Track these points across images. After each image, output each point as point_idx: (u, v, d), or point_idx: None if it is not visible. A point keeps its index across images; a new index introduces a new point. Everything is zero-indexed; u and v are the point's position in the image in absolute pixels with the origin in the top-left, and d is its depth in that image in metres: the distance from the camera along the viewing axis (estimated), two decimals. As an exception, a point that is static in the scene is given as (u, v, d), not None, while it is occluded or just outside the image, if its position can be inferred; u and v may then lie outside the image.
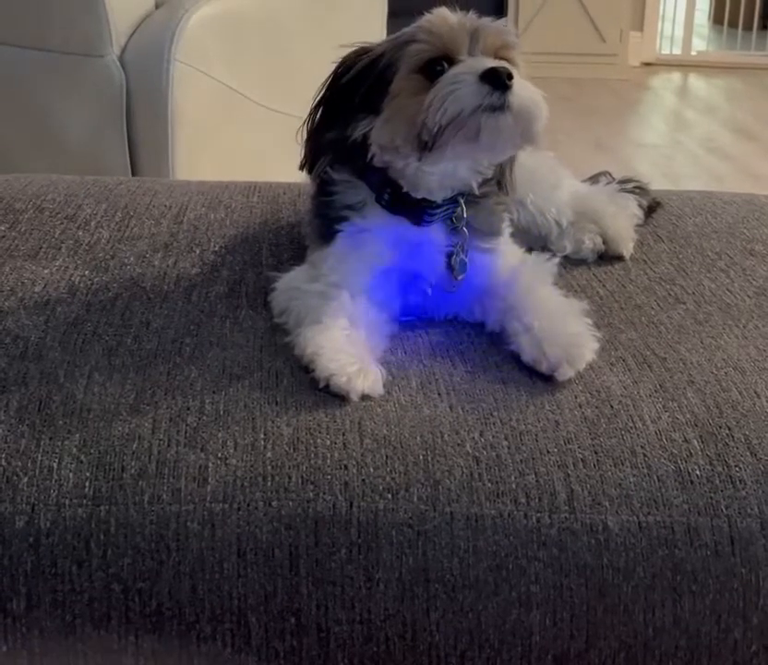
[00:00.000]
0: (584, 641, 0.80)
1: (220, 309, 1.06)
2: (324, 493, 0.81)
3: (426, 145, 0.95)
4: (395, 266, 1.02)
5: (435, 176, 1.01)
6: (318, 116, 1.03)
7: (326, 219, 1.05)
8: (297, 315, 1.00)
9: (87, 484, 0.81)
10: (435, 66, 0.96)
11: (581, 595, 0.80)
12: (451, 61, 0.97)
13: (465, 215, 1.03)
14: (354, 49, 1.02)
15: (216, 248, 1.21)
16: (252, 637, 0.78)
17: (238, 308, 1.07)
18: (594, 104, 4.55)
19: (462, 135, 0.95)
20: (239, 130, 2.24)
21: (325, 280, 1.02)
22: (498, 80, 0.93)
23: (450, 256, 1.03)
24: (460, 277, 1.03)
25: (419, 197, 1.02)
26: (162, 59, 2.01)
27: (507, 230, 1.10)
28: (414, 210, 1.02)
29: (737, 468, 0.86)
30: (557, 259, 1.08)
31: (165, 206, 1.32)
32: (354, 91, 1.00)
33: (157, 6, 2.16)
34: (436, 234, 1.03)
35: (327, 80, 1.02)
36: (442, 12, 1.00)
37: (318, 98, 1.02)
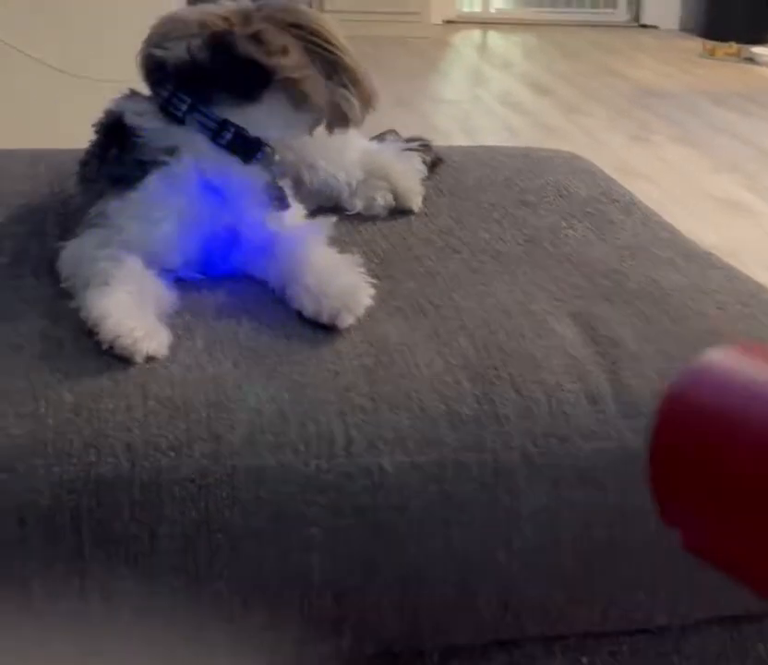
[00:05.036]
0: (362, 577, 0.85)
1: (1, 280, 1.05)
2: (106, 456, 0.83)
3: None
4: (202, 210, 1.06)
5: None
6: None
7: (130, 166, 1.06)
8: (84, 279, 1.01)
9: None
10: None
11: (357, 534, 0.85)
12: None
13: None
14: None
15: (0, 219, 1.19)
16: (34, 602, 0.79)
17: (21, 277, 1.06)
18: (396, 62, 4.63)
19: None
20: (32, 95, 2.17)
21: (116, 241, 1.03)
22: None
23: (270, 192, 1.08)
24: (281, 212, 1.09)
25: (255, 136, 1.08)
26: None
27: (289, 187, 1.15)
28: (250, 149, 1.08)
29: (502, 405, 0.92)
30: (333, 219, 1.13)
31: (-56, 177, 1.28)
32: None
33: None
34: (255, 175, 1.08)
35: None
36: None
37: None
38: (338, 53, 1.09)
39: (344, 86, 1.08)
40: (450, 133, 3.63)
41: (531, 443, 0.90)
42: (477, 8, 5.98)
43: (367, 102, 1.11)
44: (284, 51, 1.05)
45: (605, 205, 1.34)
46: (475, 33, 5.63)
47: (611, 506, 0.90)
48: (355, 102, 1.09)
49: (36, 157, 1.38)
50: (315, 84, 1.06)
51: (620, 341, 1.00)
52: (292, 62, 1.05)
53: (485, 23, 5.81)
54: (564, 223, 1.27)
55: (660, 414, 0.42)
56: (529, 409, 0.92)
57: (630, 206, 1.35)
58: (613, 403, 0.93)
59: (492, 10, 6.00)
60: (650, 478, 0.42)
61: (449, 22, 5.67)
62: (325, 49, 1.08)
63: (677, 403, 0.41)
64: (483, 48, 5.52)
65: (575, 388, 0.94)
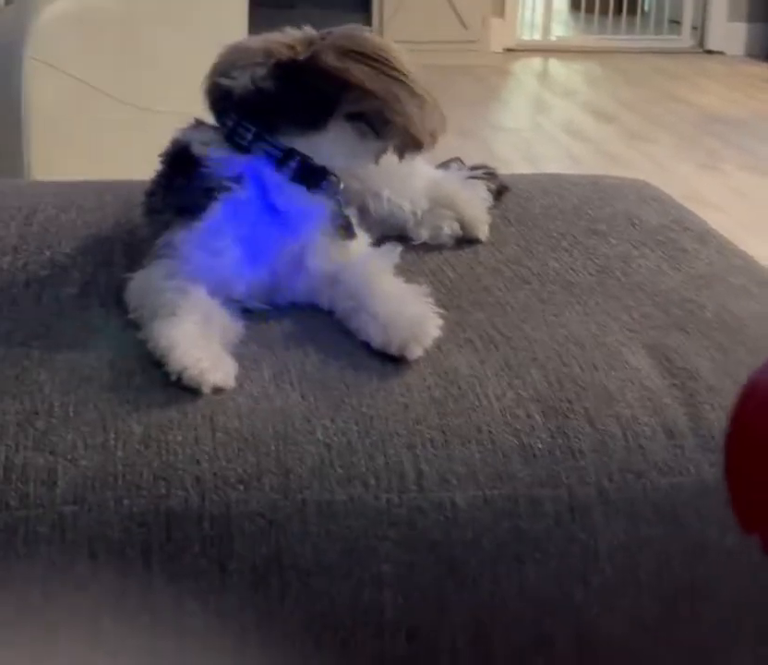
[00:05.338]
0: (435, 615, 0.83)
1: (70, 311, 1.05)
2: (176, 489, 0.82)
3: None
4: (268, 239, 1.05)
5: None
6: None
7: (196, 195, 1.05)
8: (152, 309, 1.01)
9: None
10: None
11: (430, 570, 0.83)
12: None
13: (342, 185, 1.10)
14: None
15: (67, 250, 1.20)
16: (104, 636, 0.78)
17: (89, 308, 1.06)
18: (457, 91, 4.62)
19: None
20: (99, 127, 2.20)
21: (182, 271, 1.02)
22: None
23: (335, 221, 1.08)
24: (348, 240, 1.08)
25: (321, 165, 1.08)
26: (13, 58, 1.96)
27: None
28: (315, 177, 1.07)
29: (576, 440, 0.90)
30: (399, 248, 1.12)
31: (15, 208, 1.30)
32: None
33: (7, 3, 2.11)
34: (320, 203, 1.08)
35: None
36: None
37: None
38: (405, 78, 1.08)
39: (413, 110, 1.07)
40: (512, 161, 3.61)
41: (607, 478, 0.87)
42: (537, 36, 5.96)
43: (437, 125, 1.10)
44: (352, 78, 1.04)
45: (677, 233, 1.31)
46: (536, 61, 5.61)
47: (691, 543, 0.87)
48: (426, 125, 1.08)
49: (103, 188, 1.39)
50: (384, 110, 1.06)
51: (697, 373, 0.97)
52: (361, 90, 1.04)
53: (545, 51, 5.79)
54: (636, 252, 1.24)
55: (735, 411, 0.40)
56: (604, 443, 0.89)
57: (704, 234, 1.32)
58: (691, 436, 0.91)
59: (553, 38, 5.98)
60: (727, 485, 0.41)
61: (509, 50, 5.65)
62: (391, 75, 1.07)
63: (750, 401, 0.40)
64: (544, 76, 5.49)
65: (652, 421, 0.91)
